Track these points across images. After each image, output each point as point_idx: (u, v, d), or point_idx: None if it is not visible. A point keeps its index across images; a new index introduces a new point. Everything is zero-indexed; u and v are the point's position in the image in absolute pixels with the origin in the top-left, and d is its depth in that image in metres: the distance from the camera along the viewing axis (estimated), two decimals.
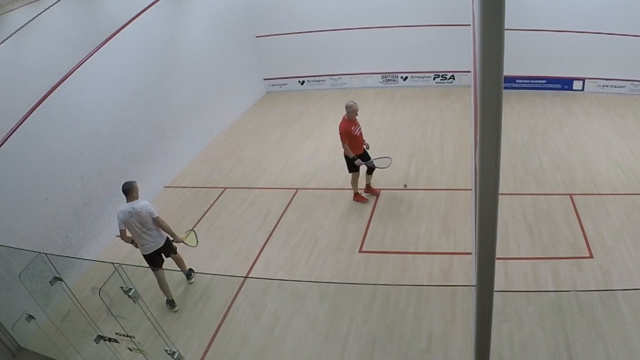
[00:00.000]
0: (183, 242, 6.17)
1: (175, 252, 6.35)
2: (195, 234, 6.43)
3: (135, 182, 6.01)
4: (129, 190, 5.85)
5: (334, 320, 5.67)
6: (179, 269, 6.48)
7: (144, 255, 6.07)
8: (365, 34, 13.10)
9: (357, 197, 8.16)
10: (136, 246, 6.03)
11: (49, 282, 5.02)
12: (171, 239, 6.14)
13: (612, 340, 4.84)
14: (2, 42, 8.51)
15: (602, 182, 7.79)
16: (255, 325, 5.78)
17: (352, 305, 5.86)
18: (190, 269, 6.66)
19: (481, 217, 2.41)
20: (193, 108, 10.74)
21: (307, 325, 5.68)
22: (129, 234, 5.90)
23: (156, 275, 6.09)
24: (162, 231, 6.04)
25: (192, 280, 6.65)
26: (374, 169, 8.05)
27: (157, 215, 5.92)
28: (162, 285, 6.14)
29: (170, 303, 6.22)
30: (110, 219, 7.95)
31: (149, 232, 5.91)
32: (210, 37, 11.58)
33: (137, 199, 5.89)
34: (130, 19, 8.66)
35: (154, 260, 6.08)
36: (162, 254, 6.17)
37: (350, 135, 7.53)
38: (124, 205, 5.85)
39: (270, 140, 11.15)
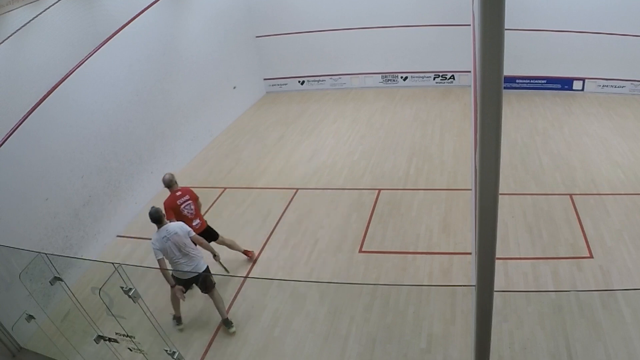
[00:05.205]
0: (220, 262, 5.91)
1: (214, 285, 5.60)
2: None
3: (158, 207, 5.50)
4: (161, 218, 5.32)
5: (334, 320, 5.67)
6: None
7: (178, 279, 5.47)
8: (365, 34, 13.09)
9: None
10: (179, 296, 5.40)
11: (49, 282, 5.02)
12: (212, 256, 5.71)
13: (612, 340, 4.84)
14: (2, 42, 8.50)
15: (602, 182, 7.79)
16: (255, 325, 5.77)
17: (352, 305, 5.86)
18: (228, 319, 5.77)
19: (481, 217, 2.41)
20: (193, 108, 10.74)
21: (307, 325, 5.68)
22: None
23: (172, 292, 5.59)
24: (201, 251, 5.58)
25: (233, 329, 5.70)
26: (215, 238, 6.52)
27: (193, 233, 5.53)
28: (174, 301, 5.77)
29: (178, 320, 5.89)
30: (110, 219, 7.97)
31: (189, 254, 5.41)
32: (210, 37, 11.58)
33: (166, 223, 5.43)
34: (130, 19, 8.66)
35: (187, 286, 5.61)
36: (199, 286, 5.59)
37: (177, 210, 6.09)
38: (155, 233, 5.32)
39: (270, 140, 11.15)
